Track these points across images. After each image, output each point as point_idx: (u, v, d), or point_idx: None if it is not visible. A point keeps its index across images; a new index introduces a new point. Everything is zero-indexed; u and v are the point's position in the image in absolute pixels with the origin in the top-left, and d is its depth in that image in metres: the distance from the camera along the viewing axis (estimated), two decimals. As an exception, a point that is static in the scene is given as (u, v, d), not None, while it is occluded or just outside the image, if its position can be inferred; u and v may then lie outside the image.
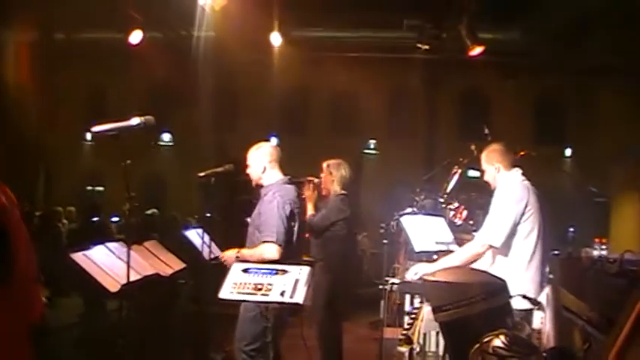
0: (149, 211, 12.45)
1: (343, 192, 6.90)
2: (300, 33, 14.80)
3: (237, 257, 4.92)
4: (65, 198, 16.23)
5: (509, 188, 4.85)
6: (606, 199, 16.43)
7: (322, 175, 6.94)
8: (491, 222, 4.73)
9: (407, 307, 6.02)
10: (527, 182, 4.91)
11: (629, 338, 1.53)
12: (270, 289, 3.80)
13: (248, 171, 5.27)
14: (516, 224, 4.68)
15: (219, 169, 5.42)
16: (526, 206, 4.71)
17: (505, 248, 4.70)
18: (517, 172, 5.00)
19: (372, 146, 20.20)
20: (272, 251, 4.81)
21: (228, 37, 13.52)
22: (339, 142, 17.95)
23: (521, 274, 4.63)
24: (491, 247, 4.69)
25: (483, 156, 5.17)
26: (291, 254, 5.03)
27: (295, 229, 5.07)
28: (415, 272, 4.83)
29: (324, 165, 6.97)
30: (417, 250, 5.72)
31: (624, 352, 1.53)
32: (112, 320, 7.27)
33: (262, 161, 5.20)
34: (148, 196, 17.33)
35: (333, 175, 6.88)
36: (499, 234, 4.66)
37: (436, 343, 5.52)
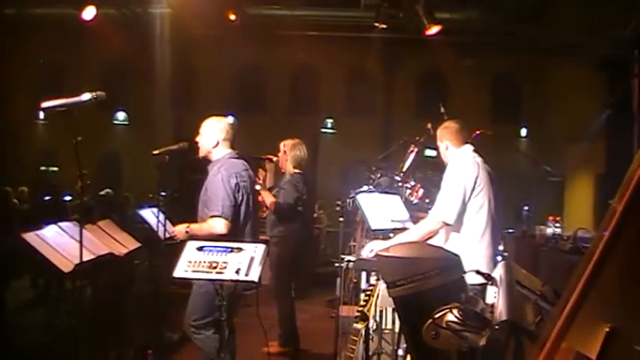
0: (103, 192, 12.33)
1: (297, 171, 7.02)
2: (257, 11, 14.68)
3: (186, 232, 4.90)
4: (19, 178, 15.92)
5: (459, 165, 4.93)
6: (560, 178, 16.68)
7: (279, 154, 7.09)
8: (442, 199, 4.81)
9: (363, 285, 6.05)
10: (478, 158, 4.99)
11: (575, 309, 1.56)
12: (225, 267, 3.79)
13: (198, 139, 5.21)
14: (467, 200, 4.77)
15: (174, 147, 5.36)
16: (476, 182, 4.79)
17: (458, 224, 4.79)
18: (468, 148, 5.08)
19: (329, 124, 20.19)
20: (219, 225, 4.80)
21: (185, 14, 13.36)
22: (297, 120, 17.93)
23: (474, 249, 4.72)
24: (445, 224, 4.76)
25: (437, 134, 5.24)
26: (245, 232, 5.02)
27: (245, 203, 5.02)
28: (370, 249, 4.87)
29: (281, 145, 7.11)
30: (373, 228, 5.75)
31: (569, 325, 1.56)
32: (67, 301, 7.21)
33: (216, 135, 5.15)
34: (103, 176, 17.16)
35: (288, 154, 7.03)
36: (451, 211, 4.73)
37: (392, 319, 5.57)
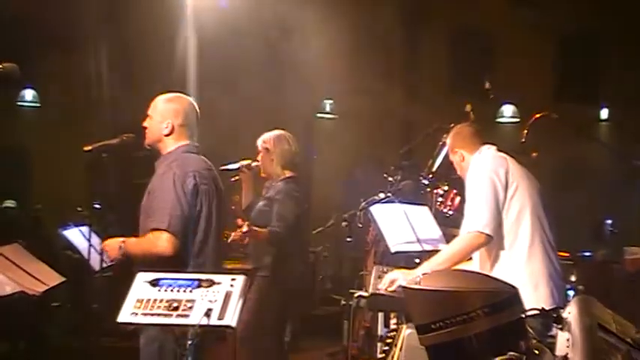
0: (5, 204, 12.35)
1: (290, 174, 6.88)
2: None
3: (120, 247, 4.93)
4: None
5: (480, 163, 5.23)
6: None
7: (259, 155, 6.85)
8: (472, 208, 5.03)
9: (380, 331, 6.13)
10: (504, 154, 5.28)
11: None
12: (190, 308, 3.78)
13: (146, 124, 5.23)
14: (502, 202, 4.98)
15: (114, 141, 5.40)
16: (507, 177, 5.04)
17: (497, 240, 4.97)
18: (489, 148, 5.35)
19: (327, 108, 20.17)
20: (162, 243, 4.80)
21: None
22: (283, 103, 17.89)
23: (522, 269, 4.92)
24: (484, 235, 4.89)
25: (447, 143, 5.56)
26: (205, 254, 5.05)
27: (205, 215, 5.04)
28: (391, 281, 4.95)
29: (259, 141, 6.88)
30: (392, 251, 5.83)
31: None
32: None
33: (170, 118, 5.15)
34: (1, 181, 17.07)
35: (272, 151, 6.81)
36: (486, 216, 4.92)
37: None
